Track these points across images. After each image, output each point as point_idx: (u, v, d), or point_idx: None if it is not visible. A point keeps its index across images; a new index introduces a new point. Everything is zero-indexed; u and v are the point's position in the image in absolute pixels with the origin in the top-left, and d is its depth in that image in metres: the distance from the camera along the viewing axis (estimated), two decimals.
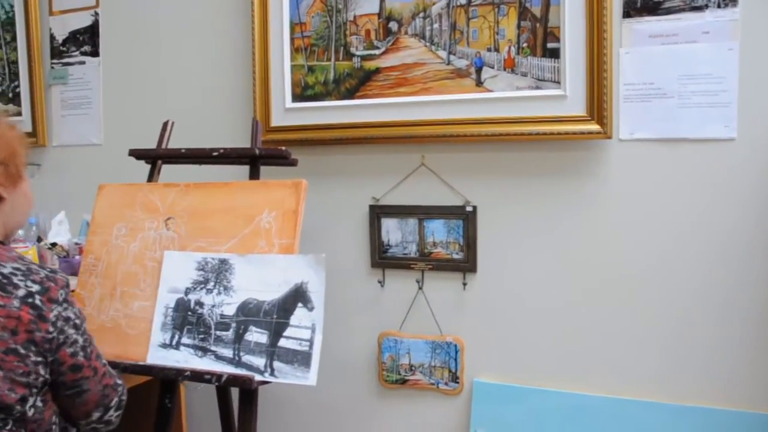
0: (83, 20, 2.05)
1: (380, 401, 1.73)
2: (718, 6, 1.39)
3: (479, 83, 1.56)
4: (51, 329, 1.02)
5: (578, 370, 1.54)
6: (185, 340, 1.40)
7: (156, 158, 1.61)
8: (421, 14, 1.60)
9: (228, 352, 1.36)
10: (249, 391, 1.32)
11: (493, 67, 1.54)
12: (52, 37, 2.10)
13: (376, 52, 1.64)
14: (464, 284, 1.62)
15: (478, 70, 1.55)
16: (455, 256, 1.62)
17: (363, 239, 1.71)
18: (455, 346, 1.63)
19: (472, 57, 1.56)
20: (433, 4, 1.58)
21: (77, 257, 1.79)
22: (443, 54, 1.58)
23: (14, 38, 2.12)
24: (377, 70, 1.64)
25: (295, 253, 1.37)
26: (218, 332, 1.38)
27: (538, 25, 1.50)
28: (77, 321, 1.08)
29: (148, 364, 1.38)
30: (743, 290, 1.42)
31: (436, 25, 1.59)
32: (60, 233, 1.92)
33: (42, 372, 1.02)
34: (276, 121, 1.74)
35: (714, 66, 1.40)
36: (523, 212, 1.57)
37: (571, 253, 1.54)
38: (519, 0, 1.51)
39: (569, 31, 1.46)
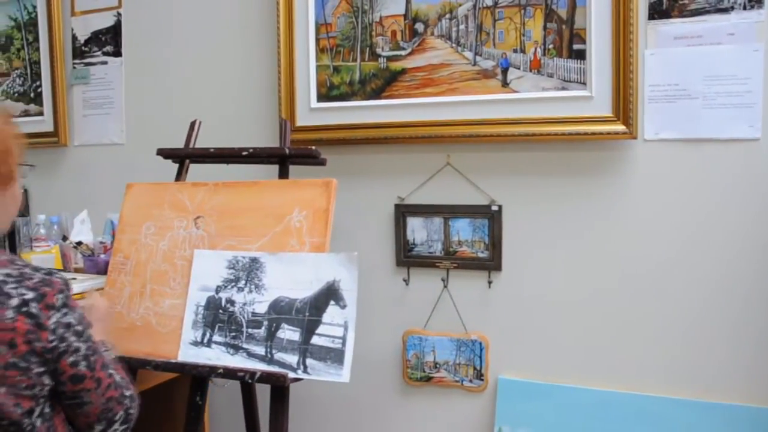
0: (106, 20, 2.06)
1: (405, 398, 1.75)
2: (744, 8, 1.41)
3: (505, 84, 1.57)
4: (51, 337, 0.94)
5: (602, 366, 1.56)
6: (216, 337, 1.42)
7: (185, 157, 1.62)
8: (448, 15, 1.61)
9: (260, 350, 1.37)
10: (281, 389, 1.34)
11: (519, 68, 1.56)
12: (74, 38, 2.12)
13: (402, 52, 1.66)
14: (489, 282, 1.63)
15: (504, 71, 1.57)
16: (480, 255, 1.63)
17: (388, 238, 1.72)
18: (480, 343, 1.65)
19: (498, 58, 1.58)
20: (460, 5, 1.60)
21: (102, 256, 1.80)
22: (469, 55, 1.60)
23: (36, 39, 2.14)
24: (403, 71, 1.66)
25: (327, 251, 1.39)
26: (250, 330, 1.40)
27: (564, 26, 1.52)
28: (79, 327, 0.99)
29: (180, 362, 1.40)
30: (766, 288, 1.43)
31: (462, 27, 1.60)
32: (82, 232, 1.93)
33: (47, 381, 0.96)
34: (301, 120, 1.75)
35: (739, 67, 1.42)
36: (549, 211, 1.59)
37: (596, 252, 1.56)
38: (545, 2, 1.53)
39: (595, 32, 1.48)
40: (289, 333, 1.36)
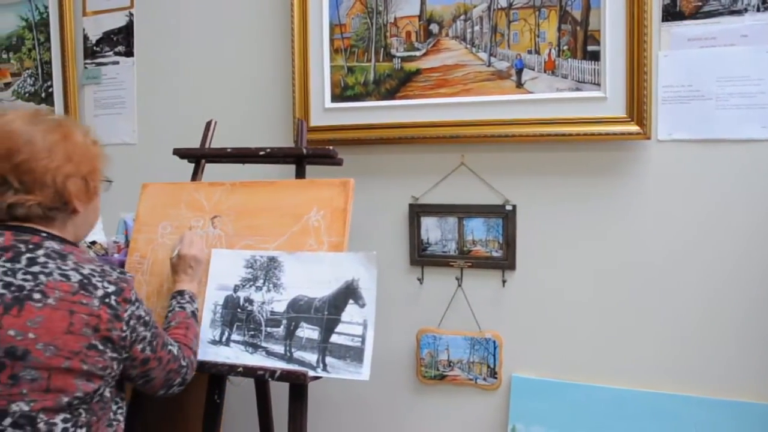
0: (117, 20, 2.07)
1: (418, 397, 1.76)
2: (757, 9, 1.43)
3: (519, 85, 1.59)
4: (125, 328, 1.08)
5: (615, 364, 1.58)
6: (235, 336, 1.43)
7: (201, 157, 1.63)
8: (462, 17, 1.63)
9: (279, 348, 1.38)
10: (300, 387, 1.34)
11: (533, 69, 1.57)
12: (86, 38, 2.12)
13: (417, 53, 1.67)
14: (503, 281, 1.65)
15: (519, 72, 1.59)
16: (494, 254, 1.65)
17: (402, 237, 1.74)
18: (494, 342, 1.66)
19: (513, 59, 1.59)
20: (474, 6, 1.61)
21: (116, 255, 1.81)
22: (484, 56, 1.61)
23: (48, 39, 2.14)
24: (418, 71, 1.67)
25: (345, 250, 1.40)
26: (269, 329, 1.41)
27: (578, 28, 1.53)
28: (147, 318, 1.14)
29: (199, 360, 1.40)
30: None
31: (476, 28, 1.62)
32: (96, 232, 1.93)
33: (115, 367, 1.09)
34: (315, 120, 1.76)
35: (752, 68, 1.44)
36: (563, 211, 1.60)
37: (609, 251, 1.57)
38: (560, 3, 1.54)
39: (609, 34, 1.50)
40: (308, 332, 1.37)
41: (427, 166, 1.70)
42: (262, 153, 1.55)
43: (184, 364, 1.25)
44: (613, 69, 1.50)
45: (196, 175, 1.65)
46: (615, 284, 1.57)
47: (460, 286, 1.69)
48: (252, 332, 1.42)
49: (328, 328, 1.35)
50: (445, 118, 1.64)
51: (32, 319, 0.99)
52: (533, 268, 1.63)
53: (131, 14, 2.05)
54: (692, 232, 1.51)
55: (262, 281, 1.45)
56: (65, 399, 1.00)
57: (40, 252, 1.06)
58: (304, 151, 1.53)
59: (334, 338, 1.34)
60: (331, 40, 1.74)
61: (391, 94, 1.70)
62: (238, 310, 1.44)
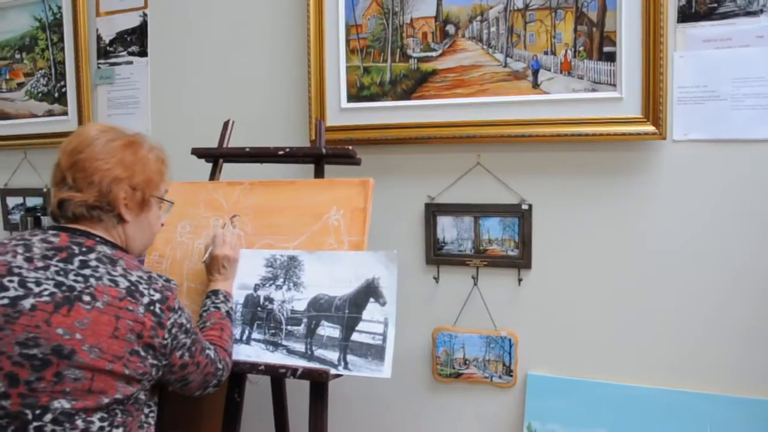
0: (131, 21, 2.07)
1: (434, 395, 1.77)
2: None
3: (536, 85, 1.60)
4: (167, 336, 1.10)
5: (630, 362, 1.59)
6: (255, 335, 1.44)
7: (219, 157, 1.64)
8: (478, 18, 1.64)
9: (300, 347, 1.39)
10: (321, 385, 1.35)
11: (549, 70, 1.59)
12: (99, 38, 2.13)
13: (433, 54, 1.68)
14: (519, 280, 1.66)
15: (535, 73, 1.60)
16: (510, 253, 1.66)
17: (418, 237, 1.75)
18: (509, 340, 1.67)
19: (529, 60, 1.60)
20: (491, 8, 1.63)
21: None
22: (500, 57, 1.63)
23: (61, 39, 2.15)
24: (434, 72, 1.68)
25: (365, 249, 1.41)
26: (289, 327, 1.42)
27: (594, 29, 1.55)
28: (188, 325, 1.16)
29: None
30: None
31: (493, 29, 1.63)
32: None
33: (154, 374, 1.11)
34: (331, 120, 1.77)
35: (767, 69, 1.46)
36: (578, 210, 1.61)
37: (624, 250, 1.58)
38: (576, 5, 1.55)
39: (625, 35, 1.51)
40: (329, 330, 1.38)
41: (443, 166, 1.71)
42: (281, 153, 1.56)
43: (220, 366, 1.27)
44: (629, 70, 1.52)
45: (214, 175, 1.66)
46: (630, 283, 1.58)
47: (476, 284, 1.70)
48: (272, 330, 1.43)
49: (349, 326, 1.36)
50: (461, 119, 1.65)
51: (80, 320, 1.01)
52: (549, 267, 1.64)
53: (145, 14, 2.06)
54: (708, 232, 1.52)
55: (282, 280, 1.46)
56: (105, 400, 1.02)
57: (92, 255, 1.08)
58: (324, 150, 1.54)
59: (355, 336, 1.35)
60: (347, 41, 1.76)
61: (407, 95, 1.71)
62: (259, 308, 1.45)
